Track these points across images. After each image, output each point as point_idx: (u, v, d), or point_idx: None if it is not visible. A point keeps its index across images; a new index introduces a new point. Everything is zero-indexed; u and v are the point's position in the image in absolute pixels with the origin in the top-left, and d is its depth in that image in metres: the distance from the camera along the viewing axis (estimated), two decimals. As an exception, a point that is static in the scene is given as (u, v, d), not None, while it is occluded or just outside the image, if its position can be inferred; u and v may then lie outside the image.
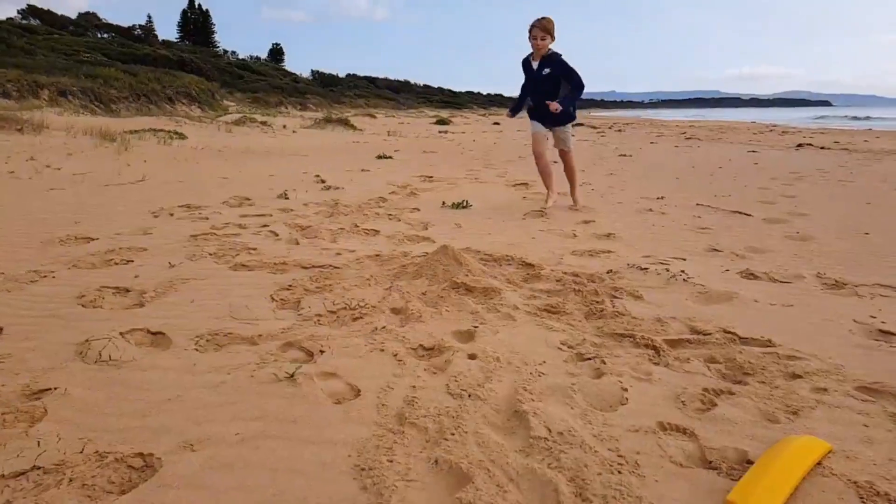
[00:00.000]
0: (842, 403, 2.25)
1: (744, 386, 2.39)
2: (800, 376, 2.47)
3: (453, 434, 1.99)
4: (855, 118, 50.00)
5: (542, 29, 6.25)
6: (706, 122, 43.04)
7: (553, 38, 6.32)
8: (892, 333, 2.94)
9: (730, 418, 2.13)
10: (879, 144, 16.47)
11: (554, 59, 6.34)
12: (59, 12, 67.27)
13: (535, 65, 6.45)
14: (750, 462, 1.87)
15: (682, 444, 1.99)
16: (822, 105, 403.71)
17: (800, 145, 16.26)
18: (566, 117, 6.56)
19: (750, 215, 6.07)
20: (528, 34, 6.34)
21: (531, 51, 6.49)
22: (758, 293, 3.54)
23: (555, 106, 6.16)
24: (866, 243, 4.83)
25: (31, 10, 61.42)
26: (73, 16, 67.95)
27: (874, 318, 3.15)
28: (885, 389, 2.35)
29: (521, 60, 6.67)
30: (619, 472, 1.81)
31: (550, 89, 6.40)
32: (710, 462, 1.89)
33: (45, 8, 63.66)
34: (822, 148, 15.39)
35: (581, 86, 6.33)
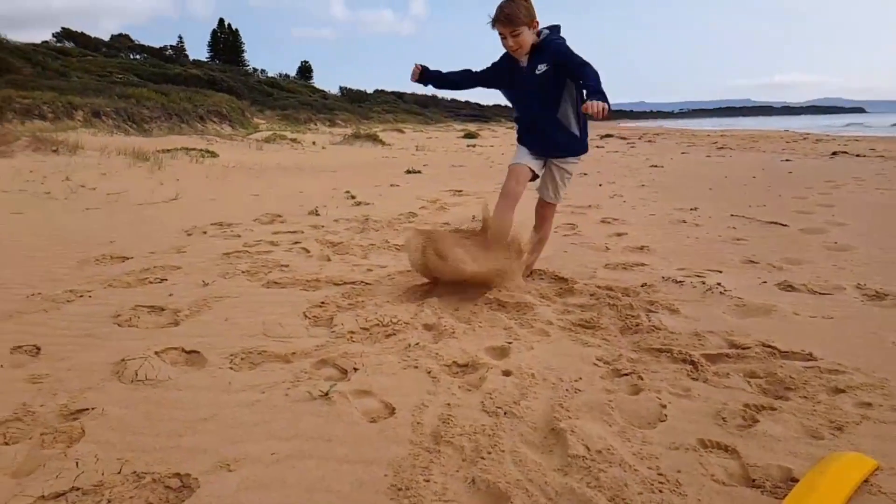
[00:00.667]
0: (888, 419, 2.19)
1: (785, 401, 2.34)
2: (843, 391, 2.41)
3: (490, 453, 1.97)
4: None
5: (507, 22, 3.73)
6: (737, 131, 42.59)
7: (533, 26, 3.80)
8: (938, 345, 2.86)
9: (772, 435, 2.09)
10: (917, 151, 16.16)
11: (548, 47, 3.84)
12: (93, 35, 68.81)
13: (523, 62, 3.90)
14: (794, 480, 1.83)
15: (724, 462, 1.95)
16: (855, 112, 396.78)
17: (835, 153, 15.96)
18: (578, 144, 4.06)
19: (786, 225, 5.96)
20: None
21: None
22: (797, 305, 3.47)
23: (598, 107, 3.30)
24: (908, 252, 4.71)
25: (65, 33, 62.96)
26: (107, 38, 69.49)
27: (919, 329, 3.07)
28: (932, 404, 2.28)
29: (497, 60, 4.08)
30: (661, 492, 1.78)
31: (552, 93, 3.88)
32: (754, 480, 1.85)
33: (79, 31, 65.20)
34: (857, 156, 15.10)
35: (592, 69, 3.63)
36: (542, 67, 3.84)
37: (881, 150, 16.66)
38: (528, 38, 3.79)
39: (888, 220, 6.16)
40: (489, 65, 4.12)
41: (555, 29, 3.94)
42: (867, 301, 3.57)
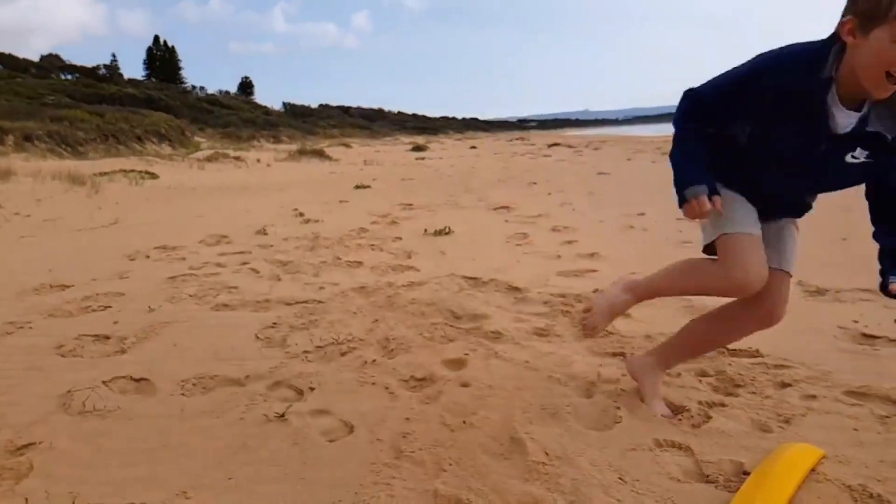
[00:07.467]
0: (831, 409, 2.29)
1: (735, 397, 2.42)
2: (789, 384, 2.50)
3: (451, 465, 1.97)
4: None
5: None
6: (678, 135, 43.48)
7: None
8: (876, 336, 2.99)
9: (724, 430, 2.14)
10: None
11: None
12: (21, 56, 66.61)
13: (840, 119, 1.83)
14: (746, 473, 1.88)
15: (679, 460, 1.99)
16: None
17: (769, 152, 16.40)
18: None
19: (728, 226, 6.10)
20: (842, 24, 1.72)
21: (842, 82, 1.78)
22: (742, 304, 3.56)
23: None
24: (845, 248, 4.89)
25: (-10, 56, 60.77)
26: (36, 58, 67.22)
27: (857, 322, 3.20)
28: (871, 392, 2.39)
29: (785, 82, 1.84)
30: (619, 492, 1.81)
31: (838, 184, 2.10)
32: (707, 476, 1.89)
33: (6, 52, 63.01)
34: (791, 154, 15.59)
35: None
36: (860, 155, 1.90)
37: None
38: None
39: (825, 218, 6.33)
40: (744, 73, 1.96)
41: None
42: (808, 297, 3.70)
